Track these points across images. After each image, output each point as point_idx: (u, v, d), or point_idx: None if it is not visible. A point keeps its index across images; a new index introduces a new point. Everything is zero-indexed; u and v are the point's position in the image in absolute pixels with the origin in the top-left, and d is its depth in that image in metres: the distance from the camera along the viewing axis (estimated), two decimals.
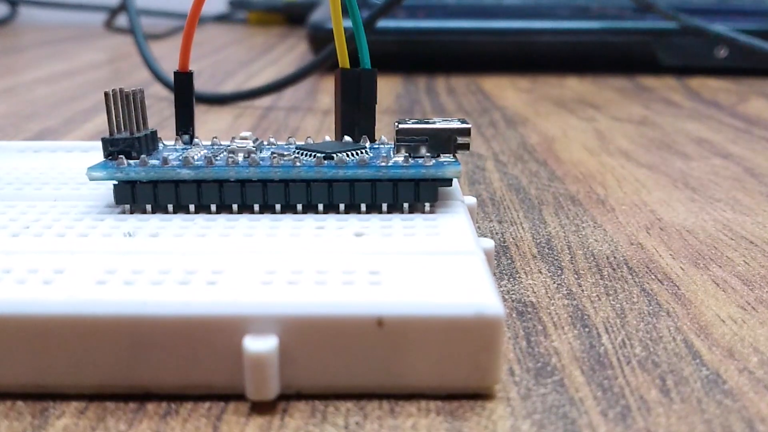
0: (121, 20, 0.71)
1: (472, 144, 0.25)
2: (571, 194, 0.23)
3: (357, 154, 0.17)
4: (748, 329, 0.15)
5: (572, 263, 0.18)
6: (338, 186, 0.16)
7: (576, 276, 0.17)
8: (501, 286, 0.17)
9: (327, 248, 0.14)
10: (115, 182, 0.16)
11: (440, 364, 0.12)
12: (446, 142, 0.17)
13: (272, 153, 0.16)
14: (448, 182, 0.16)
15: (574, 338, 0.14)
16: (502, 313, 0.12)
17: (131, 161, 0.16)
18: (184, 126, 0.18)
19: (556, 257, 0.18)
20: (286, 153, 0.17)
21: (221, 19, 0.97)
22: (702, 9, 0.51)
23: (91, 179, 0.16)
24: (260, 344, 0.12)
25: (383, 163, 0.16)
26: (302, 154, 0.17)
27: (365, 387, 0.12)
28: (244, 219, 0.16)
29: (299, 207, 0.16)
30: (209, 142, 0.18)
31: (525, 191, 0.24)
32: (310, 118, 0.36)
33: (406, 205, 0.16)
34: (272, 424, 0.12)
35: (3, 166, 0.20)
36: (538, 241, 0.19)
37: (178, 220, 0.16)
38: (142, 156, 0.16)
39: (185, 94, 0.18)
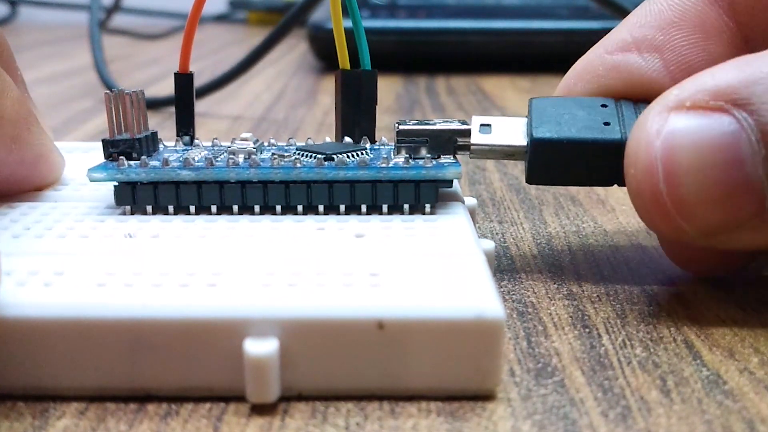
0: (117, 20, 0.71)
1: None
2: (572, 194, 0.23)
3: (357, 155, 0.17)
4: (748, 329, 0.15)
5: (572, 263, 0.18)
6: (339, 187, 0.16)
7: (576, 276, 0.17)
8: (501, 287, 0.17)
9: (327, 249, 0.14)
10: (116, 183, 0.16)
11: (441, 366, 0.12)
12: (446, 143, 0.17)
13: (273, 154, 0.16)
14: (448, 183, 0.16)
15: (575, 339, 0.14)
16: (502, 315, 0.12)
17: (132, 162, 0.16)
18: (185, 127, 0.18)
19: (556, 258, 0.18)
20: (286, 154, 0.17)
21: (221, 19, 0.97)
22: None
23: (92, 180, 0.16)
24: (261, 347, 0.12)
25: (384, 164, 0.16)
26: (303, 155, 0.17)
27: (366, 389, 0.12)
28: (245, 220, 0.16)
29: (300, 208, 0.16)
30: (210, 143, 0.18)
31: (525, 192, 0.24)
32: (311, 118, 0.36)
33: (406, 206, 0.16)
34: (272, 424, 0.12)
35: None
36: (539, 241, 0.19)
37: (179, 221, 0.16)
38: (143, 157, 0.16)
39: (186, 96, 0.18)
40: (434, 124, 0.17)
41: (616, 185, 0.16)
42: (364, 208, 0.16)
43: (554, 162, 0.16)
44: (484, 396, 0.12)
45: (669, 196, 0.14)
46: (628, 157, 0.14)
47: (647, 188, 0.14)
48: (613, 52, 0.17)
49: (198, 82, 0.24)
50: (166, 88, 0.42)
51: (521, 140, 0.16)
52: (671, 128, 0.14)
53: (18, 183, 0.17)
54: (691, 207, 0.14)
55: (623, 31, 0.17)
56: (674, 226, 0.14)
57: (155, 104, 0.36)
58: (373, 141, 0.18)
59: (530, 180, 0.16)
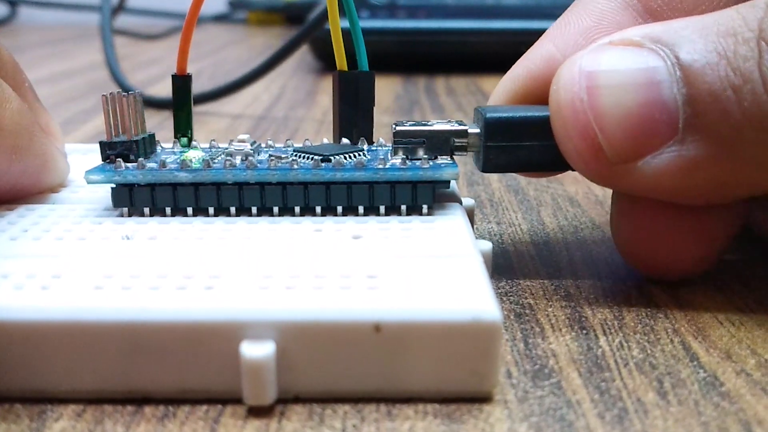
0: (117, 21, 0.71)
1: None
2: (570, 195, 0.23)
3: (354, 156, 0.17)
4: (745, 331, 0.15)
5: (570, 265, 0.18)
6: (336, 188, 0.16)
7: (574, 278, 0.17)
8: (499, 288, 0.17)
9: (325, 251, 0.14)
10: (113, 185, 0.16)
11: (438, 368, 0.12)
12: (444, 143, 0.17)
13: (270, 155, 0.16)
14: (445, 184, 0.16)
15: (572, 340, 0.14)
16: (499, 318, 0.12)
17: (129, 164, 0.16)
18: (182, 129, 0.18)
19: (554, 259, 0.18)
20: (283, 155, 0.17)
21: (221, 19, 0.97)
22: None
23: (89, 182, 0.16)
24: (257, 350, 0.12)
25: (381, 166, 0.16)
26: (300, 157, 0.17)
27: (363, 392, 0.12)
28: (242, 222, 0.16)
29: (297, 209, 0.16)
30: (207, 145, 0.18)
31: (523, 192, 0.24)
32: (310, 118, 0.36)
33: (403, 207, 0.16)
34: (270, 426, 0.12)
35: None
36: (536, 242, 0.19)
37: (176, 222, 0.16)
38: (140, 159, 0.16)
39: (183, 98, 0.18)
40: (431, 124, 0.17)
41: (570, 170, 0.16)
42: (361, 209, 0.16)
43: (507, 141, 0.16)
44: (481, 398, 0.12)
45: (589, 105, 0.14)
46: (554, 78, 0.15)
47: (568, 99, 0.14)
48: (539, 63, 0.17)
49: (198, 82, 0.24)
50: (166, 88, 0.42)
51: (475, 129, 0.17)
52: (597, 51, 0.14)
53: (22, 192, 0.17)
54: (609, 119, 0.14)
55: (545, 42, 0.17)
56: (592, 144, 0.14)
57: (155, 104, 0.36)
58: (370, 142, 0.18)
59: (486, 166, 0.16)
